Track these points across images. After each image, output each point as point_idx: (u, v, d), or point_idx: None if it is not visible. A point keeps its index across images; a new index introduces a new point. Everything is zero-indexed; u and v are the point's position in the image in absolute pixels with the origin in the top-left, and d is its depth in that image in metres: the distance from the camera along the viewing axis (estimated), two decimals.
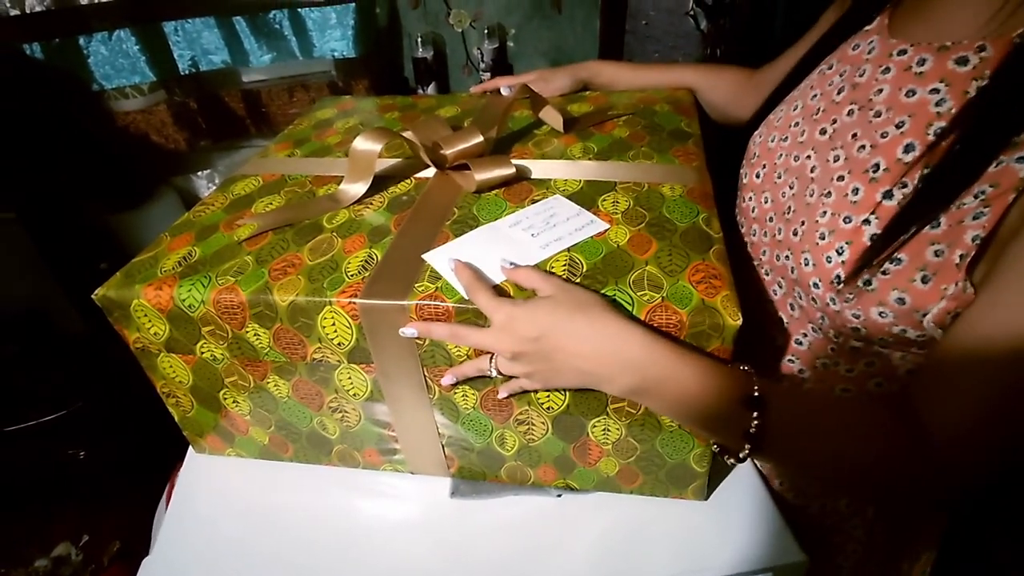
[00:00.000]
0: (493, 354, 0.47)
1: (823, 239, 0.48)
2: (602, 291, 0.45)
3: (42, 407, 1.17)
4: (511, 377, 0.48)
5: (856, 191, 0.47)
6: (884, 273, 0.44)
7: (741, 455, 0.43)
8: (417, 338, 0.48)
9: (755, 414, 0.40)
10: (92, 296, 0.51)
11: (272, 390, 0.55)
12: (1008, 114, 0.40)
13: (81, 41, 1.21)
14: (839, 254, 0.46)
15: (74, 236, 1.31)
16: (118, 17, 1.21)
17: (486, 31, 1.46)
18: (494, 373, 0.47)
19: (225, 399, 0.57)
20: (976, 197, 0.40)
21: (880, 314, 0.45)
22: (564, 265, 0.48)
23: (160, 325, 0.51)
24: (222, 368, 0.54)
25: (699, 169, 0.61)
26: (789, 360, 0.56)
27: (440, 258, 0.50)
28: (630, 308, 0.44)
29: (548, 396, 0.50)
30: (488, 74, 1.51)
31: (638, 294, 0.45)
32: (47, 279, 1.21)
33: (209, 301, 0.49)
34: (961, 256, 0.41)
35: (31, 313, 1.20)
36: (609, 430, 0.52)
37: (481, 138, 0.62)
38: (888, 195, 0.45)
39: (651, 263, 0.48)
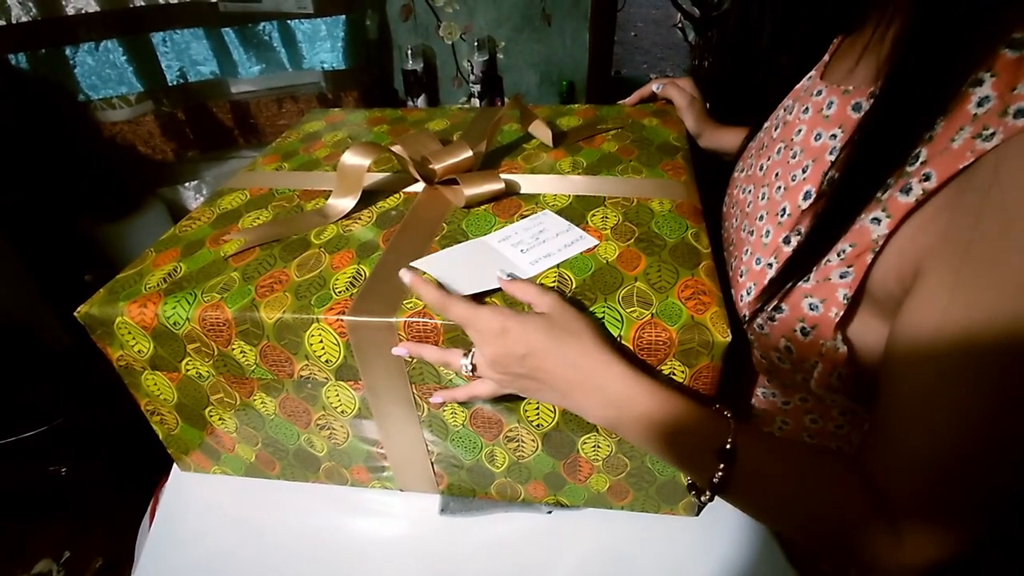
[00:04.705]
0: (469, 351, 0.45)
1: (742, 277, 0.49)
2: (591, 308, 0.45)
3: (24, 422, 1.15)
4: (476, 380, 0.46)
5: (767, 233, 0.48)
6: (772, 320, 0.45)
7: (703, 499, 0.42)
8: (407, 357, 0.47)
9: (721, 465, 0.39)
10: (75, 314, 0.50)
11: (258, 407, 0.54)
12: (866, 170, 0.39)
13: (67, 51, 1.20)
14: (748, 294, 0.47)
15: (60, 247, 1.30)
16: (105, 27, 1.20)
17: (476, 44, 1.47)
18: (468, 369, 0.45)
19: (211, 417, 0.56)
20: (839, 255, 0.40)
21: (778, 359, 0.46)
22: (554, 281, 0.48)
23: (144, 342, 0.51)
24: (207, 386, 0.53)
25: (688, 183, 0.61)
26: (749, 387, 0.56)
27: (430, 266, 0.49)
28: (619, 325, 0.44)
29: (538, 413, 0.50)
30: (478, 86, 1.52)
31: (627, 311, 0.45)
32: (31, 291, 1.20)
33: (194, 318, 0.48)
34: (835, 313, 0.41)
35: (14, 325, 1.18)
36: (599, 446, 0.52)
37: (470, 153, 0.62)
38: (787, 241, 0.45)
39: (640, 279, 0.48)
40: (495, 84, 1.55)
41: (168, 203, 1.43)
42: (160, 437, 0.60)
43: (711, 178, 0.66)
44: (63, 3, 1.15)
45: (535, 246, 0.52)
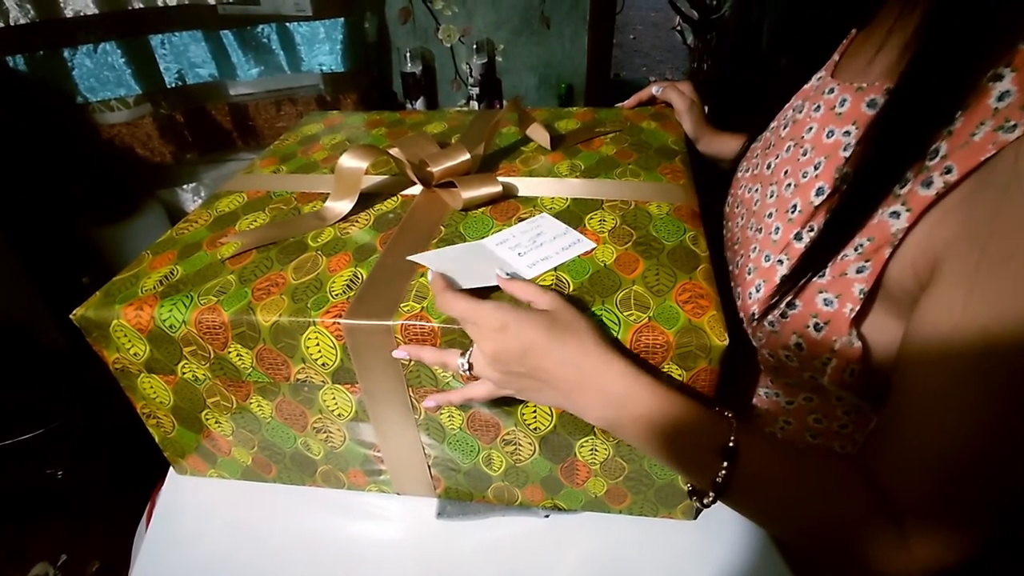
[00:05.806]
0: (467, 351, 0.45)
1: (749, 274, 0.49)
2: (589, 310, 0.45)
3: (22, 424, 1.15)
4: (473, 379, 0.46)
5: (777, 230, 0.48)
6: (784, 317, 0.44)
7: (705, 501, 0.41)
8: (405, 360, 0.47)
9: (724, 464, 0.39)
10: (70, 317, 0.50)
11: (255, 411, 0.54)
12: (884, 164, 0.39)
13: (66, 53, 1.20)
14: (757, 291, 0.47)
15: (58, 250, 1.30)
16: (103, 29, 1.20)
17: (475, 46, 1.47)
18: (464, 368, 0.44)
19: (207, 420, 0.56)
20: (856, 250, 0.40)
21: (786, 357, 0.46)
22: (551, 284, 0.48)
23: (140, 345, 0.50)
24: (204, 389, 0.53)
25: (686, 187, 0.61)
26: (748, 389, 0.56)
27: (428, 261, 0.49)
28: (616, 328, 0.44)
29: (535, 416, 0.50)
30: (477, 89, 1.52)
31: (624, 314, 0.45)
32: (29, 293, 1.19)
33: (191, 321, 0.48)
34: (850, 309, 0.41)
35: (12, 327, 1.18)
36: (597, 450, 0.52)
37: (468, 155, 0.62)
38: (798, 237, 0.45)
39: (638, 282, 0.48)
40: (494, 87, 1.55)
41: (166, 205, 1.43)
42: (156, 440, 0.60)
43: (709, 181, 0.66)
44: (61, 5, 1.15)
45: (532, 249, 0.52)
